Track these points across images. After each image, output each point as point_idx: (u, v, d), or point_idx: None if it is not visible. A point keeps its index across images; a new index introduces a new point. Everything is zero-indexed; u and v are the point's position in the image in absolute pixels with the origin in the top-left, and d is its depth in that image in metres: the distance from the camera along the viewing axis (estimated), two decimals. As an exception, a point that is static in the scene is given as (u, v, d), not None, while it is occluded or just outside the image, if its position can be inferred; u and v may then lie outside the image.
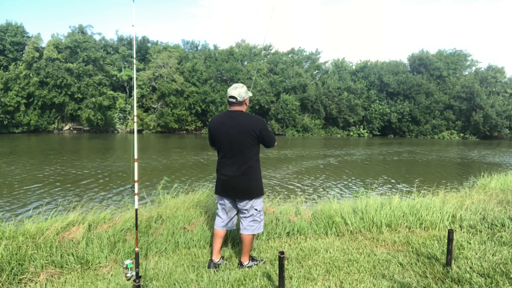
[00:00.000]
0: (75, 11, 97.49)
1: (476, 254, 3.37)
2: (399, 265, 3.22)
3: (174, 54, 43.22)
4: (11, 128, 36.02)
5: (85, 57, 38.26)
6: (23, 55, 37.53)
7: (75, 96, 38.23)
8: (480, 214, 4.65)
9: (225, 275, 3.02)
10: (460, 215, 4.58)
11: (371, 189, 7.33)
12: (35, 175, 12.30)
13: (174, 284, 2.94)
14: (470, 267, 3.02)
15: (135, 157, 2.93)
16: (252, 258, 3.39)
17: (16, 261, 3.25)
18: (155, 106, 41.72)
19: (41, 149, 22.23)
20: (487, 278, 2.81)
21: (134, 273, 2.62)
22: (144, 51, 44.63)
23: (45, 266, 3.35)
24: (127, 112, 42.42)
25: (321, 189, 11.12)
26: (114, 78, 42.56)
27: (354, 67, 53.19)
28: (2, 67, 35.81)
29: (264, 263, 3.37)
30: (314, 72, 51.31)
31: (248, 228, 3.24)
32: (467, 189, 7.11)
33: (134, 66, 3.34)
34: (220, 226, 3.37)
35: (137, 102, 40.59)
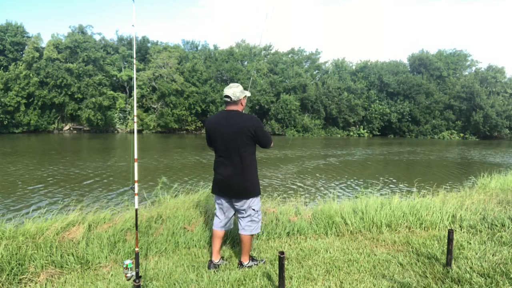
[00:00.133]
0: (75, 11, 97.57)
1: (476, 254, 3.37)
2: (399, 265, 3.22)
3: (174, 54, 43.22)
4: (11, 128, 36.02)
5: (85, 57, 38.27)
6: (23, 55, 37.52)
7: (75, 96, 38.24)
8: (480, 214, 4.65)
9: (225, 275, 3.02)
10: (460, 215, 4.58)
11: (371, 189, 7.32)
12: (35, 175, 12.30)
13: (174, 284, 2.94)
14: (470, 267, 3.02)
15: (135, 157, 2.93)
16: (252, 258, 3.39)
17: (16, 261, 3.25)
18: (155, 106, 41.72)
19: (41, 149, 22.22)
20: (487, 278, 2.81)
21: (134, 273, 2.62)
22: (144, 51, 44.63)
23: (45, 266, 3.35)
24: (127, 112, 42.42)
25: (321, 189, 11.12)
26: (114, 78, 42.56)
27: (354, 67, 53.20)
28: (2, 67, 35.81)
29: (264, 263, 3.37)
30: (314, 72, 51.31)
31: (246, 228, 3.24)
32: (467, 189, 7.11)
33: (134, 66, 3.34)
34: (218, 226, 3.37)
35: (137, 102, 40.60)
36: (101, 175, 12.64)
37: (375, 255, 3.49)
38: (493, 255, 3.30)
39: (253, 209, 3.21)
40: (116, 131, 42.36)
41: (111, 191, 10.13)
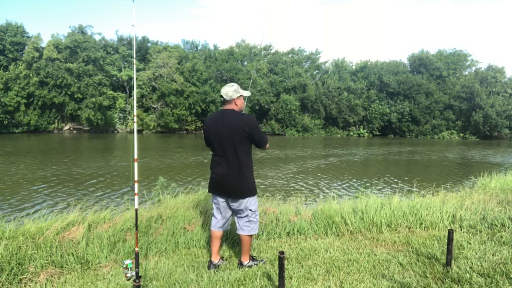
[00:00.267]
0: (75, 11, 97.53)
1: (476, 254, 3.37)
2: (399, 265, 3.22)
3: (174, 54, 43.21)
4: (11, 128, 36.02)
5: (85, 57, 38.26)
6: (23, 55, 37.52)
7: (75, 96, 38.23)
8: (480, 214, 4.65)
9: (225, 275, 3.02)
10: (460, 215, 4.58)
11: (371, 189, 7.33)
12: (36, 175, 12.31)
13: (174, 284, 2.94)
14: (470, 267, 3.02)
15: (135, 157, 2.93)
16: (252, 258, 3.39)
17: (16, 261, 3.25)
18: (155, 106, 41.72)
19: (42, 149, 22.23)
20: (487, 278, 2.81)
21: (134, 273, 2.62)
22: (144, 51, 44.63)
23: (45, 266, 3.35)
24: (127, 112, 42.42)
25: (321, 189, 11.13)
26: (114, 78, 42.55)
27: (354, 67, 53.17)
28: (2, 67, 35.80)
29: (264, 263, 3.36)
30: (314, 72, 51.30)
31: (244, 229, 3.24)
32: (467, 189, 7.11)
33: (134, 66, 3.35)
34: (216, 227, 3.36)
35: (137, 102, 40.59)
36: (104, 175, 12.66)
37: (375, 255, 3.49)
38: (493, 255, 3.30)
39: (250, 210, 3.20)
40: (116, 131, 42.36)
41: (111, 191, 10.13)
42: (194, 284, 2.91)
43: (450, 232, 3.01)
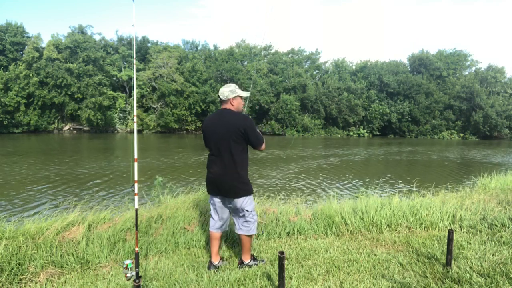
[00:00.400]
0: (75, 11, 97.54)
1: (476, 254, 3.36)
2: (399, 265, 3.22)
3: (174, 54, 43.21)
4: (11, 128, 36.02)
5: (85, 57, 38.26)
6: (23, 55, 37.51)
7: (75, 96, 38.23)
8: (480, 214, 4.65)
9: (225, 275, 3.02)
10: (460, 215, 4.57)
11: (371, 189, 7.33)
12: (36, 175, 12.32)
13: (174, 284, 2.94)
14: (470, 267, 3.02)
15: (135, 157, 2.93)
16: (254, 258, 3.40)
17: (16, 261, 3.25)
18: (155, 106, 41.72)
19: (43, 149, 22.24)
20: (487, 278, 2.81)
21: (134, 273, 2.62)
22: (144, 51, 44.63)
23: (45, 266, 3.35)
24: (127, 112, 42.42)
25: (322, 189, 11.13)
26: (114, 78, 42.55)
27: (354, 67, 53.16)
28: (2, 67, 35.80)
29: (264, 263, 3.37)
30: (314, 72, 51.29)
31: (242, 229, 3.25)
32: (467, 189, 7.10)
33: (134, 66, 3.35)
34: (214, 228, 3.36)
35: (137, 102, 40.59)
36: (105, 175, 12.65)
37: (375, 255, 3.49)
38: (493, 255, 3.30)
39: (246, 210, 3.19)
40: (116, 131, 42.36)
41: (112, 191, 10.13)
42: (194, 284, 2.91)
43: (450, 232, 3.01)
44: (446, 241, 3.36)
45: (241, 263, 3.33)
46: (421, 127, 47.67)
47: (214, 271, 3.22)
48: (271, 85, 44.24)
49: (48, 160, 16.23)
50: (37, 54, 36.43)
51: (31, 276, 3.22)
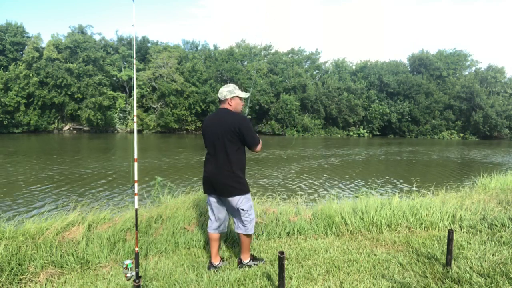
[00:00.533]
0: (75, 11, 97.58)
1: (476, 254, 3.36)
2: (399, 265, 3.22)
3: (174, 54, 43.21)
4: (11, 128, 36.02)
5: (85, 57, 38.26)
6: (23, 55, 37.52)
7: (75, 96, 38.23)
8: (480, 214, 4.65)
9: (225, 275, 3.02)
10: (460, 215, 4.57)
11: (371, 189, 7.33)
12: (39, 175, 12.34)
13: (174, 284, 2.94)
14: (470, 267, 3.02)
15: (135, 157, 2.93)
16: (253, 258, 3.40)
17: (16, 261, 3.25)
18: (155, 106, 41.72)
19: (43, 149, 22.24)
20: (487, 278, 2.81)
21: (134, 273, 2.62)
22: (144, 51, 44.63)
23: (45, 266, 3.34)
24: (127, 112, 42.42)
25: (322, 189, 11.13)
26: (114, 78, 42.55)
27: (354, 67, 53.18)
28: (2, 67, 35.80)
29: (264, 263, 3.36)
30: (314, 72, 51.29)
31: (241, 227, 3.25)
32: (467, 189, 7.10)
33: (134, 66, 3.35)
34: (212, 229, 3.35)
35: (137, 102, 40.59)
36: (105, 175, 12.65)
37: (375, 255, 3.49)
38: (493, 255, 3.30)
39: (242, 209, 3.18)
40: (116, 131, 42.36)
41: (112, 191, 10.13)
42: (194, 284, 2.91)
43: (450, 232, 3.01)
44: (446, 241, 3.36)
45: (240, 262, 3.33)
46: (421, 127, 47.67)
47: (214, 271, 3.22)
48: (271, 85, 44.24)
49: (50, 160, 16.23)
50: (37, 54, 36.43)
51: (31, 276, 3.22)
